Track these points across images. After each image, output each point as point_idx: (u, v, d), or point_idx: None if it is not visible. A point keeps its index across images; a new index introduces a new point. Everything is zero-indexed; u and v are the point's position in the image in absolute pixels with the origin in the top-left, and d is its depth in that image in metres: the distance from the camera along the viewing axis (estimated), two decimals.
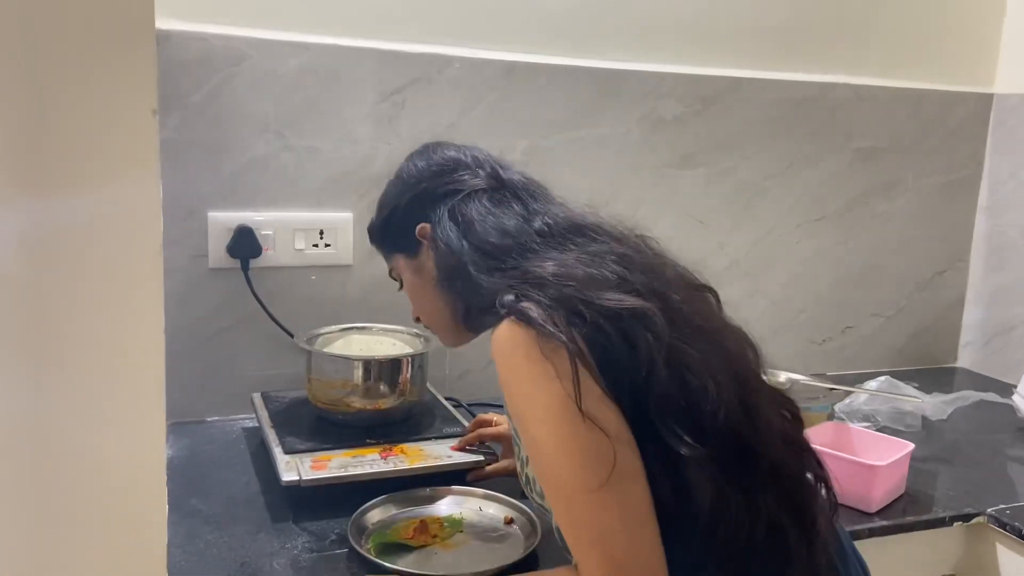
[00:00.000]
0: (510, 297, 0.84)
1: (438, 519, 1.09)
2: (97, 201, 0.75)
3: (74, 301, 0.76)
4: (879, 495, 1.18)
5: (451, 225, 0.96)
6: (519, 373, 0.81)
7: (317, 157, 1.41)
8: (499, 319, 0.83)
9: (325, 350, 1.31)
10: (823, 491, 0.87)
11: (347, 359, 1.28)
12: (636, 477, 0.78)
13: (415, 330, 1.39)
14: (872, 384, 1.51)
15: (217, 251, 1.38)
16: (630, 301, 0.81)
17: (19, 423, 0.76)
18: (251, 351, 1.43)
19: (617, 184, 1.62)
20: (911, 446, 1.24)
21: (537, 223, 0.94)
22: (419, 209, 1.01)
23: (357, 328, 1.39)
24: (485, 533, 1.08)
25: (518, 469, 0.95)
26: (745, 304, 1.76)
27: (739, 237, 1.73)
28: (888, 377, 1.54)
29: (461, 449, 1.21)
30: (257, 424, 1.30)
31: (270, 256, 1.41)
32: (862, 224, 1.83)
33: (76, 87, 0.72)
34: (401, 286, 1.09)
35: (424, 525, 1.07)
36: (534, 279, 0.84)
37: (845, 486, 1.19)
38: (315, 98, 1.40)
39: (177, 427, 1.37)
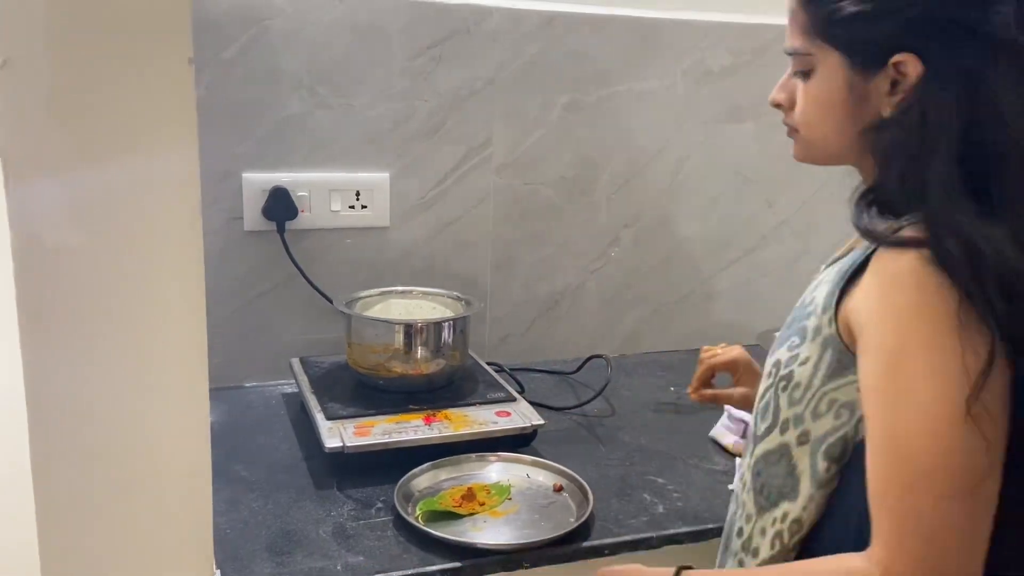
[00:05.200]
0: (950, 239, 0.65)
1: (485, 486, 1.06)
2: (134, 159, 0.72)
3: (116, 268, 0.73)
4: None
5: (953, 100, 0.69)
6: (913, 328, 0.67)
7: (352, 115, 1.37)
8: (901, 240, 0.68)
9: (365, 314, 1.27)
10: None
11: (388, 323, 1.24)
12: (990, 499, 0.68)
13: (455, 293, 1.35)
14: None
15: (252, 213, 1.34)
16: None
17: (64, 390, 0.73)
18: (289, 315, 1.40)
19: (661, 139, 1.55)
20: None
21: None
22: (915, 32, 0.71)
23: (396, 292, 1.35)
24: (534, 500, 1.05)
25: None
26: (795, 265, 1.70)
27: (789, 194, 1.66)
28: None
29: (697, 391, 1.09)
30: (296, 390, 1.28)
31: (306, 218, 1.37)
32: None
33: (108, 38, 0.68)
34: (794, 73, 0.83)
35: (471, 493, 1.04)
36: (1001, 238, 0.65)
37: None
38: (349, 53, 1.34)
39: (215, 393, 1.32)
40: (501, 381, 1.30)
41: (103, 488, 0.76)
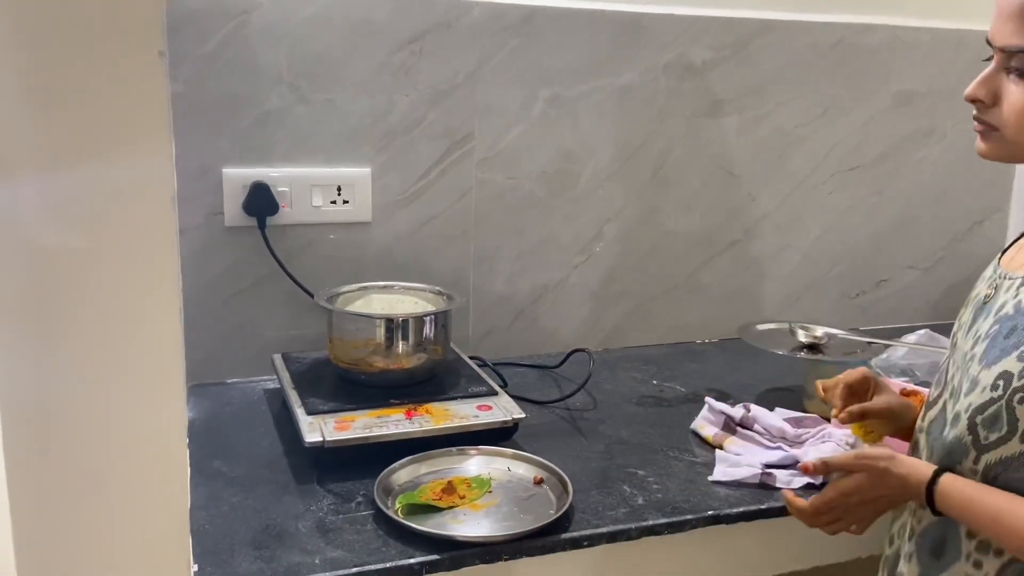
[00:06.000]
0: None
1: (466, 480, 1.06)
2: (105, 155, 0.71)
3: (88, 265, 0.72)
4: None
5: None
6: None
7: (333, 110, 1.37)
8: None
9: (346, 309, 1.27)
10: None
11: (369, 318, 1.24)
12: None
13: (437, 288, 1.35)
14: (911, 337, 1.46)
15: (233, 209, 1.34)
16: None
17: (37, 387, 0.73)
18: (271, 311, 1.40)
19: (644, 134, 1.56)
20: None
21: None
22: None
23: (378, 287, 1.35)
24: (514, 493, 1.05)
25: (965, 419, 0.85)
26: (777, 258, 1.70)
27: (770, 188, 1.67)
28: (928, 330, 1.49)
29: (844, 411, 1.02)
30: (278, 385, 1.28)
31: (287, 213, 1.36)
32: (898, 173, 1.76)
33: (75, 31, 0.67)
34: (1007, 70, 0.85)
35: (451, 486, 1.04)
36: None
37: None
38: (330, 48, 1.34)
39: (197, 389, 1.35)
40: (483, 375, 1.30)
41: (77, 483, 0.76)
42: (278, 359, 1.33)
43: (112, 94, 0.69)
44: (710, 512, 1.04)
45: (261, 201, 1.34)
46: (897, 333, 1.56)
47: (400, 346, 1.22)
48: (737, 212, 1.66)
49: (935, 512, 0.86)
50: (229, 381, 1.39)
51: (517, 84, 1.46)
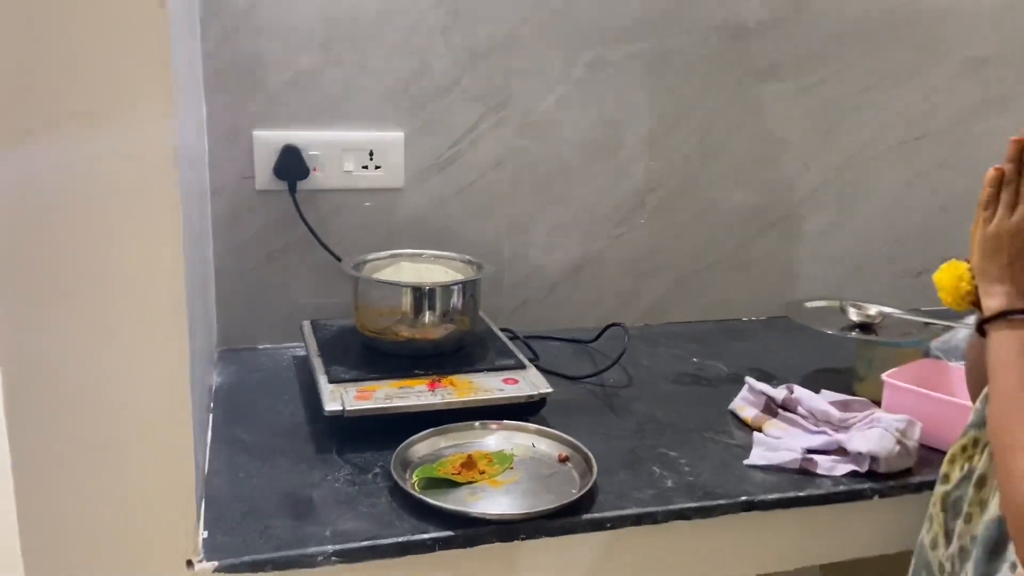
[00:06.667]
0: None
1: (487, 455, 1.03)
2: (100, 118, 0.68)
3: (91, 233, 0.70)
4: None
5: None
6: None
7: (366, 72, 1.33)
8: None
9: (373, 276, 1.24)
10: None
11: (395, 285, 1.21)
12: None
13: (467, 256, 1.31)
14: (973, 319, 1.36)
15: (264, 172, 1.31)
16: None
17: (42, 355, 0.72)
18: (302, 277, 1.38)
19: (692, 99, 1.48)
20: None
21: None
22: None
23: (407, 255, 1.32)
24: (536, 471, 1.01)
25: None
26: (832, 232, 1.61)
27: (827, 158, 1.57)
28: None
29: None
30: (306, 353, 1.26)
31: (318, 178, 1.34)
32: (966, 144, 1.64)
33: None
34: None
35: (471, 461, 1.00)
36: None
37: (939, 428, 1.07)
38: (363, 7, 1.30)
39: (228, 354, 1.34)
40: (512, 348, 1.25)
41: (81, 449, 0.75)
42: (307, 326, 1.31)
43: (109, 49, 0.66)
44: (744, 498, 0.98)
45: (292, 165, 1.31)
46: (960, 314, 1.46)
47: (427, 315, 1.19)
48: (788, 183, 1.57)
49: (980, 330, 0.86)
50: (260, 347, 1.38)
51: (557, 46, 1.40)
